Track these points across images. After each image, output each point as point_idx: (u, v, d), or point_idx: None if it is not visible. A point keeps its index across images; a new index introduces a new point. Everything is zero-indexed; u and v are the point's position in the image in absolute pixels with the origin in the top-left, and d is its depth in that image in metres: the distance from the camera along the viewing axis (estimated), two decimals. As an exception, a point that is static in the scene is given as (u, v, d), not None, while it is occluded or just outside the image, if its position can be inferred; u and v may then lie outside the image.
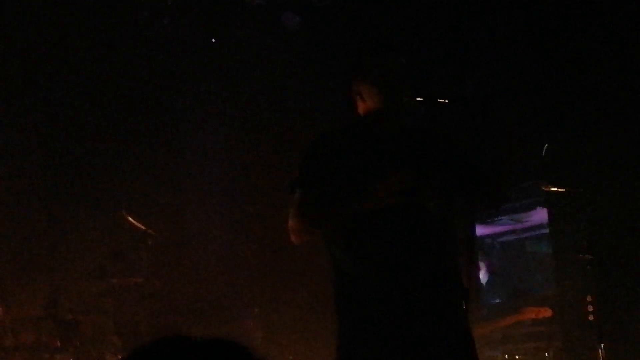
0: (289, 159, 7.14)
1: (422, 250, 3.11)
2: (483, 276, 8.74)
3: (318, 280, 7.41)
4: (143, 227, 6.62)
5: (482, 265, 8.75)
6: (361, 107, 3.35)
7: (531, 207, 8.58)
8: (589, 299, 5.77)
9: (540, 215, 8.52)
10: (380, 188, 2.96)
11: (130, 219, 6.64)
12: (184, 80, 8.04)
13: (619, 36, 6.53)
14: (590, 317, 5.74)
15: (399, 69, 3.27)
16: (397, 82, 3.24)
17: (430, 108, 3.17)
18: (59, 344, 6.09)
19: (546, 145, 6.56)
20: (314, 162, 3.22)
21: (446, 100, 3.12)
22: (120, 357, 6.17)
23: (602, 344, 5.56)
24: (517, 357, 7.63)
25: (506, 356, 7.61)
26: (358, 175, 3.11)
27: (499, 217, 9.18)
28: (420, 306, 3.05)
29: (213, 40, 7.75)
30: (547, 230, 8.09)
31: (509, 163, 3.32)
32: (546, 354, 7.43)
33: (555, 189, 6.24)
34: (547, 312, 7.16)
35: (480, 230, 9.35)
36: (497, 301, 8.83)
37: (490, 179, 3.31)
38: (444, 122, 3.30)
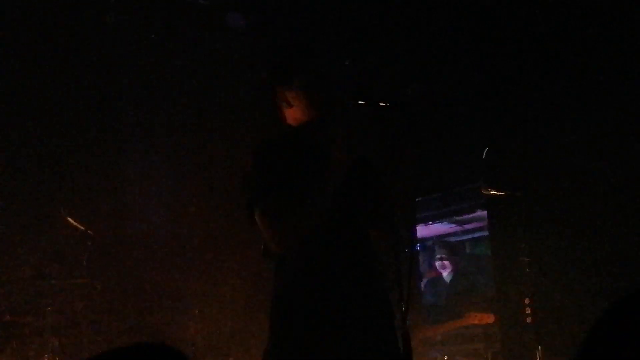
0: (235, 160, 7.14)
1: (349, 256, 3.14)
2: (447, 275, 8.80)
3: (259, 285, 7.41)
4: (82, 228, 6.56)
5: (448, 264, 8.81)
6: (289, 114, 3.30)
7: (471, 210, 8.68)
8: (527, 301, 5.86)
9: (479, 217, 8.63)
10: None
11: (69, 219, 6.56)
12: (128, 80, 7.97)
13: (558, 35, 6.62)
14: (528, 319, 5.82)
15: (323, 70, 3.25)
16: (322, 84, 3.22)
17: (371, 111, 3.14)
18: (-4, 345, 6.01)
19: (486, 148, 6.65)
20: (264, 174, 3.14)
21: (387, 104, 3.09)
22: (58, 359, 6.10)
23: (539, 346, 5.65)
24: (457, 358, 7.72)
25: (446, 357, 7.69)
26: (302, 183, 3.09)
27: (440, 219, 9.27)
28: (346, 307, 3.08)
29: (153, 35, 7.69)
30: (486, 233, 8.18)
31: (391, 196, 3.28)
32: (485, 355, 7.53)
33: (495, 192, 6.32)
34: (490, 319, 7.26)
35: (422, 231, 9.44)
36: (436, 302, 8.91)
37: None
38: (384, 126, 3.28)
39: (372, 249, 3.23)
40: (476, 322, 7.32)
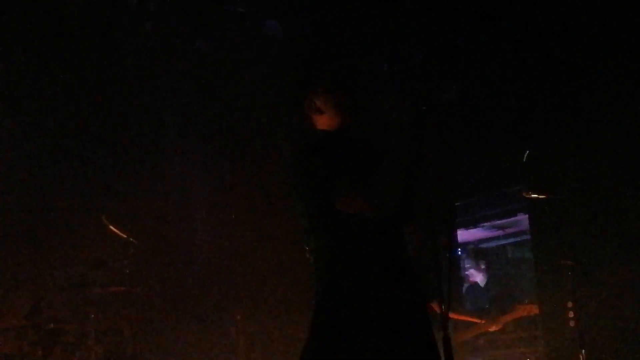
0: (274, 167, 7.16)
1: (391, 262, 3.14)
2: (481, 281, 8.76)
3: (300, 289, 7.41)
4: (125, 236, 6.61)
5: (474, 272, 8.79)
6: (321, 122, 3.32)
7: (513, 214, 8.62)
8: (570, 304, 5.79)
9: (521, 221, 8.56)
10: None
11: (112, 227, 6.62)
12: (168, 88, 8.02)
13: (603, 42, 6.56)
14: (572, 323, 5.76)
15: (351, 74, 3.26)
16: (348, 87, 3.22)
17: (412, 114, 3.14)
18: (40, 353, 6.06)
19: (528, 151, 6.60)
20: (336, 161, 3.14)
21: (429, 106, 3.10)
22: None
23: (583, 350, 5.59)
24: (499, 363, 7.67)
25: (488, 362, 7.64)
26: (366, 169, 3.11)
27: (481, 224, 9.22)
28: (389, 313, 3.08)
29: (195, 44, 7.74)
30: (528, 237, 8.12)
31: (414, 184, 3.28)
32: (528, 359, 7.47)
33: (536, 195, 6.27)
34: (535, 309, 7.20)
35: (462, 236, 9.39)
36: (483, 307, 8.86)
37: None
38: (425, 128, 3.27)
39: (409, 253, 3.23)
40: (524, 313, 7.25)
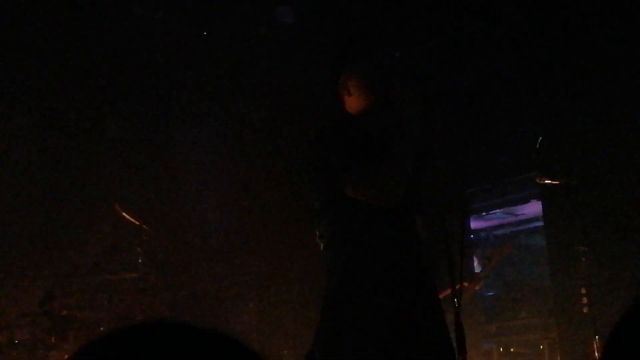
0: (286, 154, 7.16)
1: (402, 249, 3.14)
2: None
3: (314, 275, 7.42)
4: (137, 223, 6.62)
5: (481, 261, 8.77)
6: (349, 102, 3.34)
7: (525, 200, 8.59)
8: (583, 291, 5.78)
9: (534, 207, 8.53)
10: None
11: (124, 214, 6.63)
12: (179, 76, 8.03)
13: (613, 27, 6.53)
14: (585, 310, 5.74)
15: (385, 61, 3.28)
16: (385, 74, 3.24)
17: (427, 101, 3.16)
18: (54, 340, 6.09)
19: (540, 138, 6.57)
20: (347, 148, 3.16)
21: (444, 93, 3.12)
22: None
23: (597, 336, 5.58)
24: (512, 349, 7.66)
25: (501, 349, 7.63)
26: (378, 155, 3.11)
27: (493, 210, 9.19)
28: (398, 300, 3.09)
29: (205, 33, 7.73)
30: (541, 223, 8.09)
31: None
32: (541, 346, 7.45)
33: (549, 181, 6.24)
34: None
35: (475, 223, 9.36)
36: (491, 294, 8.84)
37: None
38: (438, 115, 3.27)
39: (420, 241, 3.23)
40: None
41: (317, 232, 3.26)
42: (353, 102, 3.32)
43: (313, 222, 3.26)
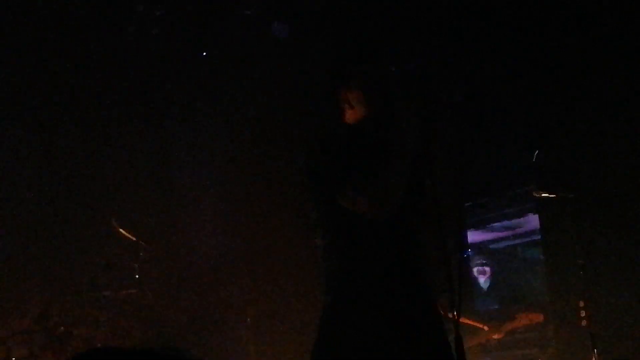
0: (284, 171, 7.15)
1: (403, 260, 3.13)
2: (484, 281, 8.73)
3: (311, 292, 7.41)
4: (134, 239, 6.61)
5: (488, 270, 8.76)
6: (350, 115, 3.32)
7: (523, 214, 8.59)
8: (581, 304, 5.76)
9: (531, 221, 8.52)
10: None
11: (121, 230, 6.62)
12: (176, 91, 8.03)
13: (610, 41, 6.54)
14: (583, 323, 5.73)
15: (385, 73, 3.27)
16: (386, 87, 3.23)
17: (424, 115, 3.14)
18: (50, 356, 6.06)
19: (537, 151, 6.57)
20: (342, 159, 3.13)
21: (441, 107, 3.12)
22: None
23: (595, 350, 5.56)
24: (510, 363, 7.63)
25: (500, 363, 7.61)
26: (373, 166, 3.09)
27: (491, 224, 9.19)
28: (396, 312, 3.07)
29: (204, 53, 7.74)
30: (538, 236, 8.09)
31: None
32: (539, 360, 7.44)
33: (546, 194, 6.24)
34: (539, 318, 7.17)
35: (472, 236, 9.35)
36: (494, 307, 8.82)
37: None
38: (433, 127, 3.26)
39: (419, 255, 3.21)
40: (527, 322, 7.23)
41: (316, 241, 3.25)
42: (353, 114, 3.31)
43: (312, 231, 3.26)
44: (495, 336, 7.27)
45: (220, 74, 7.97)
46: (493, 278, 8.89)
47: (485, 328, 7.17)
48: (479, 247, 9.34)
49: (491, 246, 9.57)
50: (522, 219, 8.78)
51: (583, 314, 5.72)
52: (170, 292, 7.43)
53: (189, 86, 8.04)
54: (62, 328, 6.26)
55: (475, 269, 8.75)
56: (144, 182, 7.70)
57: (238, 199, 8.07)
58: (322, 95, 3.51)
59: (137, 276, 6.57)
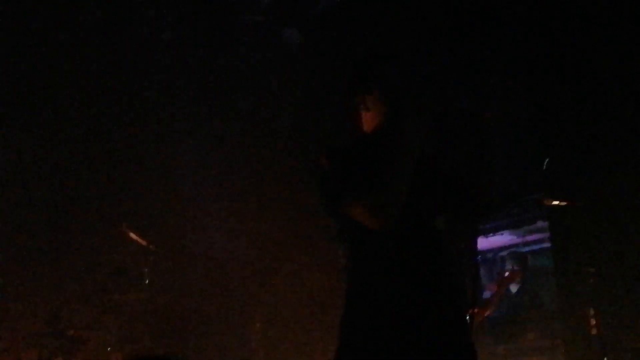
0: (295, 176, 7.16)
1: (425, 268, 3.08)
2: (514, 286, 8.69)
3: (320, 297, 7.41)
4: (144, 243, 6.62)
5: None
6: (366, 118, 3.29)
7: (532, 221, 8.57)
8: (591, 312, 5.75)
9: (541, 229, 8.51)
10: None
11: (132, 234, 6.64)
12: (185, 97, 8.05)
13: (619, 49, 6.54)
14: (594, 331, 5.71)
15: (405, 78, 3.23)
16: (401, 91, 3.19)
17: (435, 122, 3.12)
18: (61, 359, 6.08)
19: (547, 159, 6.57)
20: (348, 168, 3.07)
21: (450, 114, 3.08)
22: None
23: (605, 358, 5.55)
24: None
25: (509, 372, 7.60)
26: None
27: (500, 231, 9.17)
28: (422, 322, 3.02)
29: (211, 54, 7.76)
30: (548, 244, 8.07)
31: (492, 171, 3.23)
32: (549, 368, 7.42)
33: (556, 202, 6.23)
34: (517, 275, 7.23)
35: (482, 244, 9.34)
36: (498, 315, 8.80)
37: (472, 189, 3.23)
38: (444, 136, 3.25)
39: (444, 259, 3.15)
40: (509, 281, 7.28)
41: (339, 251, 3.21)
42: (370, 119, 3.28)
43: (336, 241, 3.22)
44: (488, 312, 7.29)
45: (230, 79, 7.99)
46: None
47: (476, 311, 7.21)
48: (511, 251, 9.30)
49: (501, 253, 9.55)
50: (532, 226, 8.77)
51: (593, 322, 5.71)
52: (179, 296, 7.44)
53: (198, 91, 8.05)
54: (72, 332, 6.28)
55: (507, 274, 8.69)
56: (153, 186, 7.72)
57: (248, 204, 8.08)
58: (338, 98, 3.48)
59: (146, 281, 6.58)
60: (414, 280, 3.04)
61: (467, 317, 3.01)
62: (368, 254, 3.09)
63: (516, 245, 9.54)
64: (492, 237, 9.34)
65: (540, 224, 8.42)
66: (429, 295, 3.04)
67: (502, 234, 9.26)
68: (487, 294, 7.56)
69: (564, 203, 6.22)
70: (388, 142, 3.07)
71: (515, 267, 8.47)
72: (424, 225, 3.11)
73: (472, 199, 3.24)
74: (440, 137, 3.18)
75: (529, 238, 9.23)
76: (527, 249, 9.54)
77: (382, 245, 3.05)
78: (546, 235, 8.09)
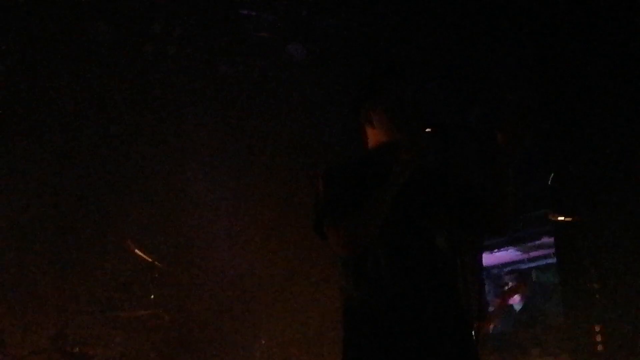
0: (303, 193, 7.16)
1: (431, 286, 3.05)
2: (517, 304, 8.68)
3: (327, 313, 7.40)
4: (149, 259, 6.62)
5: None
6: (370, 134, 3.28)
7: (538, 237, 8.57)
8: (597, 328, 5.74)
9: (546, 244, 8.50)
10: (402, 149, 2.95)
11: (136, 250, 6.63)
12: (190, 112, 8.05)
13: (625, 59, 6.54)
14: (600, 347, 5.70)
15: (412, 96, 3.22)
16: (410, 109, 3.17)
17: (440, 138, 3.09)
18: (66, 376, 6.08)
19: (552, 174, 6.57)
20: (335, 191, 3.09)
21: (456, 130, 3.05)
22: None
23: (611, 374, 5.54)
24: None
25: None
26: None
27: (506, 247, 9.17)
28: (428, 342, 3.00)
29: (216, 68, 7.79)
30: (553, 260, 8.07)
31: (513, 189, 3.21)
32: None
33: (561, 217, 6.23)
34: (523, 289, 7.24)
35: (488, 259, 9.34)
36: (503, 331, 8.78)
37: (492, 206, 3.22)
38: (449, 152, 3.23)
39: (447, 271, 3.12)
40: (513, 294, 7.29)
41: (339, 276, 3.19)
42: (374, 134, 3.28)
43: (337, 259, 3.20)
44: (492, 326, 7.29)
45: (236, 92, 8.00)
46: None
47: (477, 325, 7.18)
48: (512, 269, 9.30)
49: (506, 269, 9.54)
50: (537, 241, 8.76)
51: (599, 338, 5.70)
52: (184, 312, 7.43)
53: (203, 110, 8.06)
54: (77, 348, 6.26)
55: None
56: (159, 201, 7.72)
57: (258, 220, 8.07)
58: (344, 113, 3.47)
59: (152, 296, 6.57)
60: (417, 299, 3.02)
61: (473, 332, 2.99)
62: (368, 274, 3.06)
63: (521, 261, 9.54)
64: (497, 253, 9.34)
65: (545, 239, 8.42)
66: (433, 311, 3.02)
67: (507, 250, 9.26)
68: (492, 310, 7.54)
69: (569, 218, 6.22)
70: (376, 175, 3.06)
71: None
72: (425, 242, 3.09)
73: (489, 213, 3.23)
74: (451, 151, 3.15)
75: (534, 254, 9.23)
76: (532, 264, 9.54)
77: (383, 263, 3.04)
78: (551, 251, 8.08)
